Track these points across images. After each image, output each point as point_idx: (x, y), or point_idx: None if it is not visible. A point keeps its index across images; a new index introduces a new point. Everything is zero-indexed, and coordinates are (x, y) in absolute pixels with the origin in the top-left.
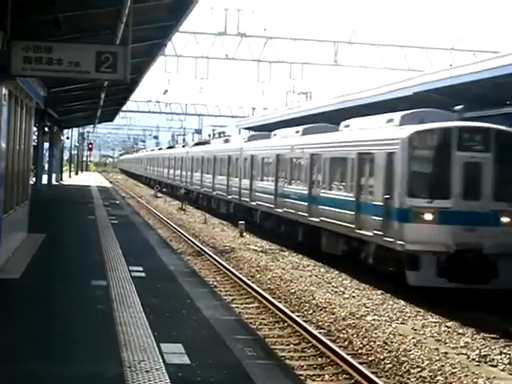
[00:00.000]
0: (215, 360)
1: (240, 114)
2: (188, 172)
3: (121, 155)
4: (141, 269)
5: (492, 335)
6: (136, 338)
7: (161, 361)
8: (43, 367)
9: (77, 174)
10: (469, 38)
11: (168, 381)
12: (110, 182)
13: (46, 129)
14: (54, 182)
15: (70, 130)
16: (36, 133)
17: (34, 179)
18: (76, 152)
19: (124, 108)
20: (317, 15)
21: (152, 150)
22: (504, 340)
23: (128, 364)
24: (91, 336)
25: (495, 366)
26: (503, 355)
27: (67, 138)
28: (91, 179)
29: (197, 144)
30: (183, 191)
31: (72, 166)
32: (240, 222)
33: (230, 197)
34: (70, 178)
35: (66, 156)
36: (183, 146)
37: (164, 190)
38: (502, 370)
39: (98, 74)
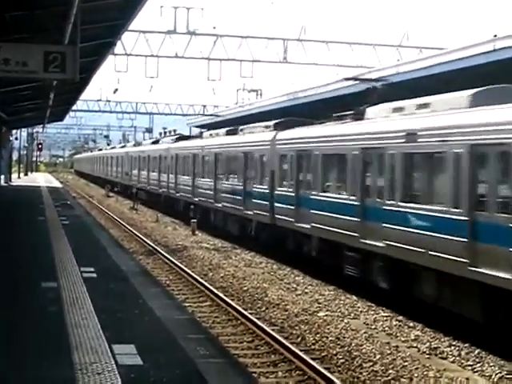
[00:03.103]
0: (168, 360)
1: (191, 112)
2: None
3: (73, 154)
4: (92, 269)
5: (442, 328)
6: (87, 340)
7: (113, 362)
8: None
9: (26, 174)
10: (415, 34)
11: (120, 382)
12: (61, 183)
13: None
14: (2, 183)
15: (19, 130)
16: None
17: None
18: (25, 152)
19: (74, 107)
20: (266, 13)
21: (138, 145)
22: (453, 332)
23: (79, 366)
24: (41, 339)
25: (445, 359)
26: (453, 347)
27: (16, 138)
28: (41, 180)
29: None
30: None
31: (21, 166)
32: (192, 220)
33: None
34: (19, 179)
35: (14, 156)
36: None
37: (115, 189)
38: (452, 362)
39: (46, 74)
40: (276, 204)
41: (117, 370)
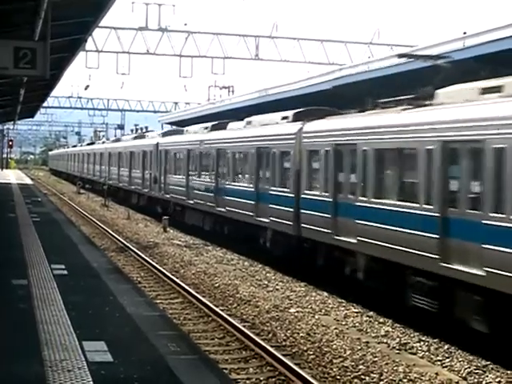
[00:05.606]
0: (138, 357)
1: (162, 109)
2: None
3: (44, 150)
4: (63, 266)
5: (411, 324)
6: (57, 337)
7: (83, 359)
8: None
9: None
10: (386, 32)
11: (90, 379)
12: (32, 179)
13: None
14: None
15: None
16: None
17: None
18: None
19: (45, 104)
20: (238, 10)
21: (173, 133)
22: (423, 328)
23: (49, 363)
24: (11, 336)
25: (415, 354)
26: (422, 343)
27: None
28: (12, 177)
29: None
30: None
31: None
32: (164, 217)
33: None
34: None
35: None
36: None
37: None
38: (422, 358)
39: (16, 70)
40: None
41: (87, 367)
